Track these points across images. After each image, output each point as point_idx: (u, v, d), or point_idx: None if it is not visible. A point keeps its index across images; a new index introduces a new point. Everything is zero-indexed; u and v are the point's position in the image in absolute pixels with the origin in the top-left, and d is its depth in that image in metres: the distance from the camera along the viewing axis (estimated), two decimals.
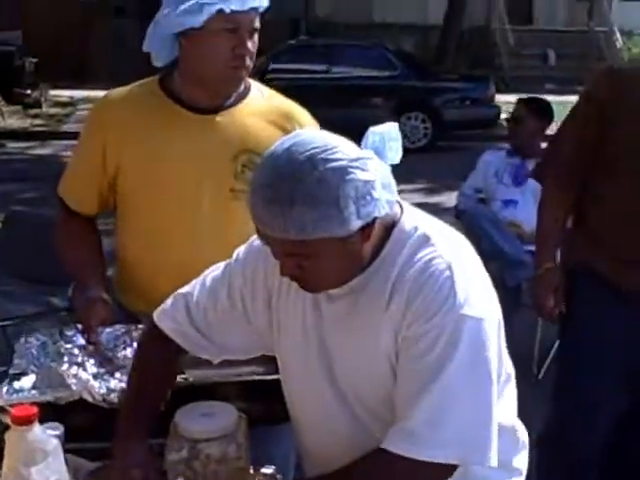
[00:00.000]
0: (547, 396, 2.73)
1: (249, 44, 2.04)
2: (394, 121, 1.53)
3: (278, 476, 1.69)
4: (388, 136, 1.46)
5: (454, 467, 1.43)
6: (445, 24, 17.90)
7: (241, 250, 1.70)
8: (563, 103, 5.99)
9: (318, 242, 1.38)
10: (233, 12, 1.98)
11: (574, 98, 2.72)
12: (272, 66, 11.87)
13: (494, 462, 1.43)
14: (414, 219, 1.52)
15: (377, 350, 1.48)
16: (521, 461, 1.65)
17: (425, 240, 1.47)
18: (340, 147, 1.39)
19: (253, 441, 1.68)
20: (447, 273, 1.43)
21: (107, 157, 2.13)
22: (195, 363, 1.81)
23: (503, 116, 12.74)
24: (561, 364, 2.77)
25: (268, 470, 1.69)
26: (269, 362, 1.77)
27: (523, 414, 1.68)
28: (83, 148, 2.22)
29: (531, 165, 4.30)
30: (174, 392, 1.73)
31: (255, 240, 1.67)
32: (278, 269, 1.52)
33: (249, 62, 2.07)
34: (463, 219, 4.45)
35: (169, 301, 1.73)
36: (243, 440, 1.63)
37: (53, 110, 14.30)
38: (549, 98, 4.95)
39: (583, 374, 2.56)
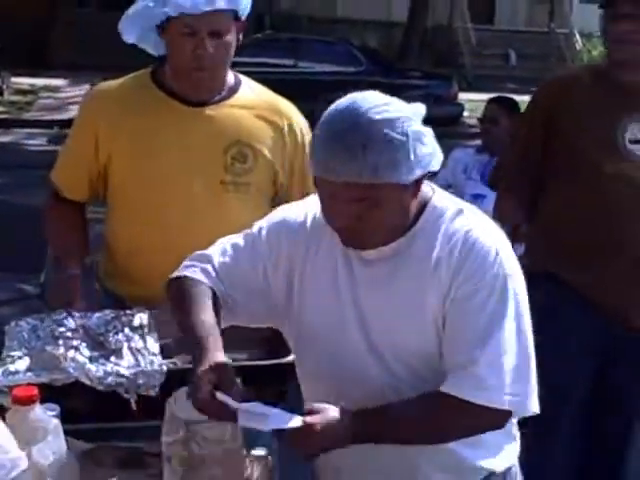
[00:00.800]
0: None
1: (209, 47, 2.04)
2: None
3: (269, 457, 1.74)
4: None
5: (509, 416, 1.54)
6: (409, 21, 17.97)
7: (261, 222, 1.72)
8: (524, 103, 6.07)
9: (384, 187, 1.46)
10: (185, 15, 2.00)
11: None
12: (237, 59, 11.84)
13: (537, 408, 1.55)
14: (444, 198, 1.64)
15: (421, 313, 1.56)
16: (516, 429, 1.74)
17: (459, 212, 1.60)
18: (397, 104, 1.52)
19: None
20: (489, 240, 1.56)
21: (99, 147, 2.16)
22: (187, 349, 1.84)
23: (466, 114, 12.92)
24: None
25: (260, 452, 1.74)
26: (261, 347, 1.82)
27: None
28: (75, 137, 2.25)
29: None
30: (168, 376, 1.77)
31: (273, 216, 1.72)
32: (300, 240, 1.63)
33: (210, 63, 2.07)
34: None
35: (187, 261, 1.71)
36: None
37: (15, 98, 14.07)
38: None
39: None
